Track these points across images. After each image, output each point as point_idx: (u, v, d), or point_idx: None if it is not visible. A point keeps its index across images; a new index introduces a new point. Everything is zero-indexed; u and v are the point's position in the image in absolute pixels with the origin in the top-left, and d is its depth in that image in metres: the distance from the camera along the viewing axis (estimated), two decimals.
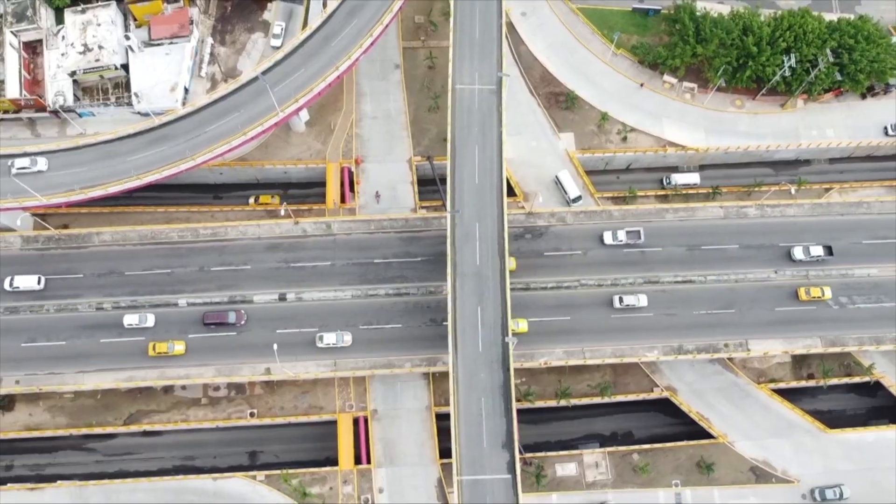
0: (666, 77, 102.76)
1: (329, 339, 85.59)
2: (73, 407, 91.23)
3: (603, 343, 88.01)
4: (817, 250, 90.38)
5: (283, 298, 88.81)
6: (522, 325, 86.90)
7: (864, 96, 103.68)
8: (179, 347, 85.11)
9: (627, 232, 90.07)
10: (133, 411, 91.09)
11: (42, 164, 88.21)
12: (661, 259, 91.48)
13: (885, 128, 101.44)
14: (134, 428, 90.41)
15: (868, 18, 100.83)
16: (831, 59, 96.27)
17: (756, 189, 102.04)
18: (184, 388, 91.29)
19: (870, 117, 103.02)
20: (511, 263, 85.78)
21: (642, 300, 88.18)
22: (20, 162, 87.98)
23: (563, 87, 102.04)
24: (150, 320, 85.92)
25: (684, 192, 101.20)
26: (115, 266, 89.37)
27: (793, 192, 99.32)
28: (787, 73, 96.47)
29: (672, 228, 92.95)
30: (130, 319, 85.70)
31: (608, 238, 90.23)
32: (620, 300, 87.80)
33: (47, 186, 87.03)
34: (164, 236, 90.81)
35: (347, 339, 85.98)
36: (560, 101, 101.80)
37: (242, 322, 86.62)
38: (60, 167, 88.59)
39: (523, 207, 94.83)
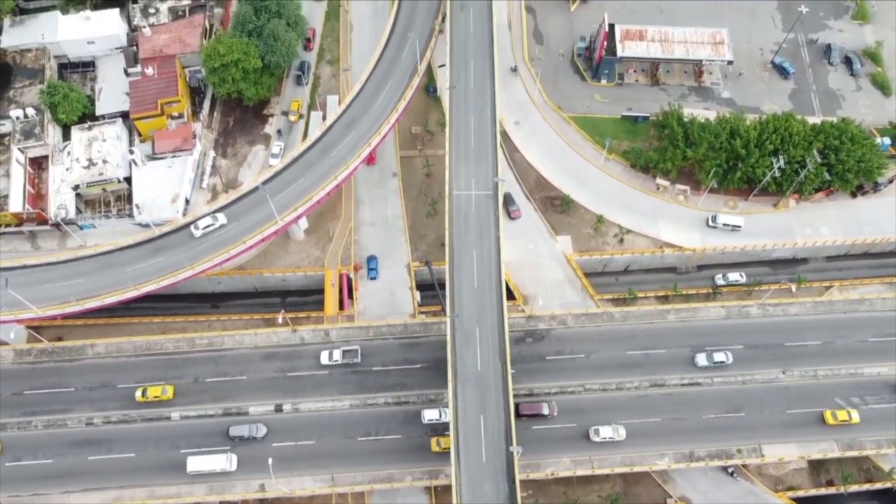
0: (658, 180, 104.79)
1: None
2: None
3: (613, 451, 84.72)
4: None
5: (279, 409, 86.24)
6: (855, 416, 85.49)
7: (854, 195, 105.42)
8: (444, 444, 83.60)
9: (344, 351, 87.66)
10: None
11: (222, 219, 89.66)
12: (664, 360, 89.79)
13: (707, 219, 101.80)
14: None
15: (851, 121, 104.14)
16: (819, 160, 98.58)
17: (756, 288, 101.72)
18: None
19: (862, 215, 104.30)
20: None
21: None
22: (203, 222, 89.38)
23: (557, 192, 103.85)
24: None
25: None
26: (107, 379, 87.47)
27: (793, 290, 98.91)
28: (777, 174, 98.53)
29: (674, 329, 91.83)
30: (431, 415, 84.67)
31: (324, 358, 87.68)
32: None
33: (44, 298, 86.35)
34: (160, 347, 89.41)
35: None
36: (556, 205, 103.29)
37: (555, 413, 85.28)
38: (58, 279, 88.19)
39: (523, 311, 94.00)
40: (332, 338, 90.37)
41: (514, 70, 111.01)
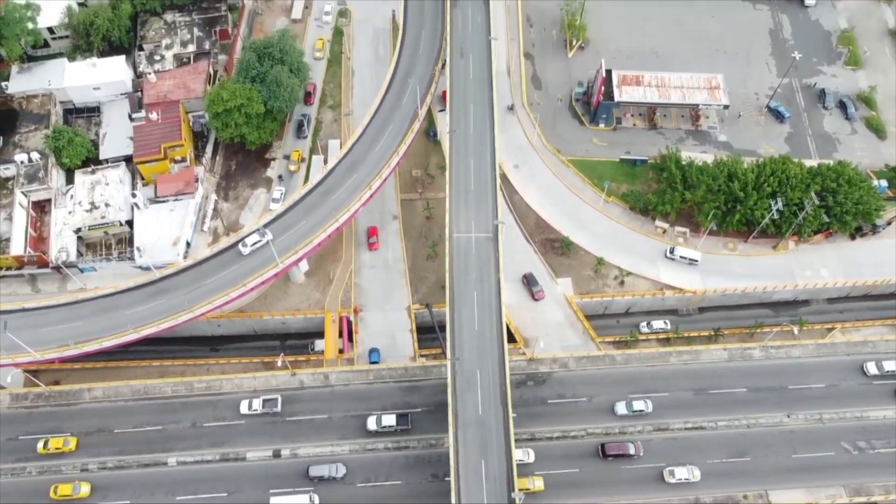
0: (658, 222, 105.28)
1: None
2: None
3: (616, 497, 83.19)
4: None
5: (277, 455, 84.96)
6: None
7: (853, 237, 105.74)
8: None
9: (264, 400, 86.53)
10: None
11: (269, 234, 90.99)
12: (668, 404, 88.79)
13: (665, 251, 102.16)
14: None
15: (847, 163, 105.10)
16: (817, 202, 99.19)
17: (758, 330, 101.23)
18: None
19: (861, 257, 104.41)
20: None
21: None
22: (251, 239, 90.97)
23: (557, 234, 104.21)
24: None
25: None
26: (104, 424, 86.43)
27: (795, 332, 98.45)
28: (776, 216, 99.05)
29: (676, 372, 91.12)
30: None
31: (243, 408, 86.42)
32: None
33: (43, 341, 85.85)
34: (158, 391, 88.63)
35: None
36: (555, 247, 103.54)
37: (641, 453, 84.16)
38: (57, 322, 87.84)
39: (524, 353, 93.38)
40: (331, 381, 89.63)
41: (511, 108, 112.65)
